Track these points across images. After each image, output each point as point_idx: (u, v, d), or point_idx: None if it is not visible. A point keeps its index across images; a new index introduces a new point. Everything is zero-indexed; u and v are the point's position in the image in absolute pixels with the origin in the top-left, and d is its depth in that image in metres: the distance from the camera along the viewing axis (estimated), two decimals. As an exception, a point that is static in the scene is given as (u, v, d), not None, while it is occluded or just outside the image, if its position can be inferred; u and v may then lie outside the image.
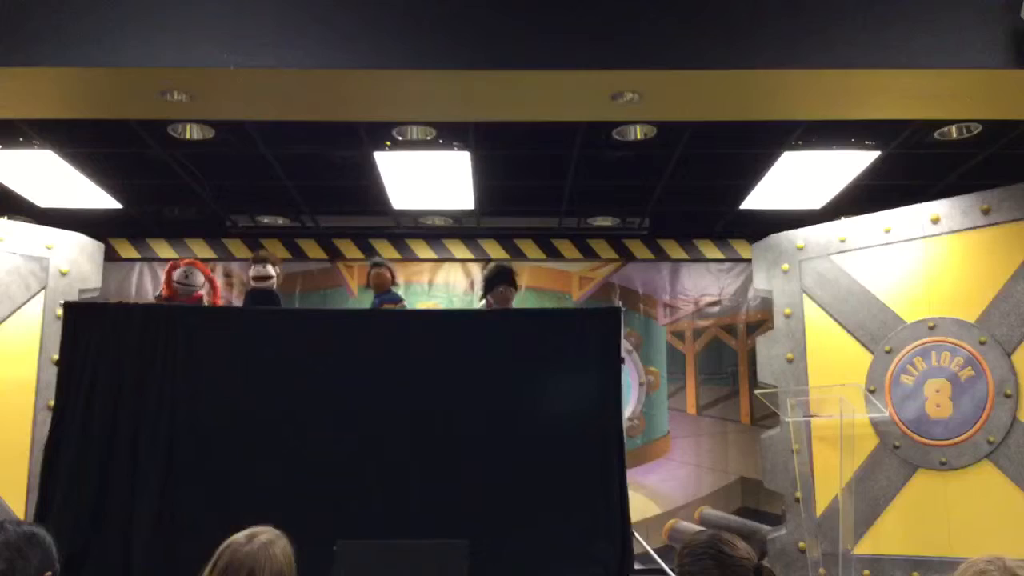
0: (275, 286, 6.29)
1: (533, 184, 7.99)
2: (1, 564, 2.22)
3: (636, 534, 5.71)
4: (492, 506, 5.18)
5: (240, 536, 2.62)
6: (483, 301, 6.28)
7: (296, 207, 8.51)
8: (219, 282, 8.70)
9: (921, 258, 6.51)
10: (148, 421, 5.34)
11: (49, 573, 2.31)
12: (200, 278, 6.09)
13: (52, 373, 6.11)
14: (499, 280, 6.11)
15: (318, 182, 7.83)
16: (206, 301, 6.13)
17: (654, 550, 6.31)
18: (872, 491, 6.44)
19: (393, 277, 6.55)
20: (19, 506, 6.32)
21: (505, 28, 4.62)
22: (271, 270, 6.24)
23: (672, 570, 5.04)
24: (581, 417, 5.44)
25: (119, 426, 5.33)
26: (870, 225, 6.78)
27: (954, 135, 6.52)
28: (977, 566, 2.04)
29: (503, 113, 5.34)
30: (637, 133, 6.60)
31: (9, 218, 7.14)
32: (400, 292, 6.84)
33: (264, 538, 2.59)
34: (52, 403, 5.69)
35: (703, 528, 7.99)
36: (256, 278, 6.24)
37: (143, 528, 5.13)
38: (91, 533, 5.13)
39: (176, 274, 6.01)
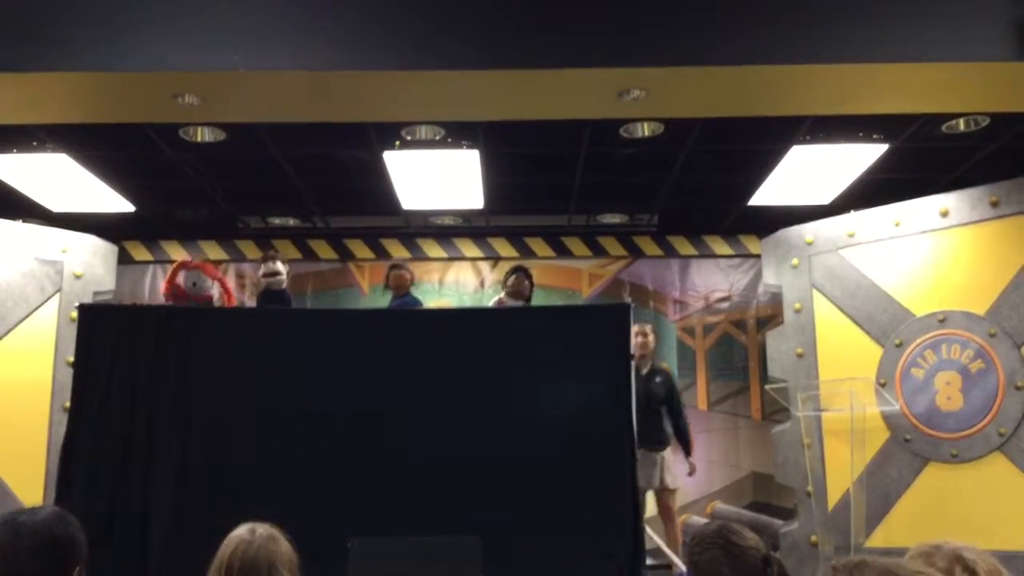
0: (284, 284, 6.37)
1: (542, 182, 8.02)
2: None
3: (648, 529, 5.74)
4: (505, 501, 5.21)
5: (241, 533, 2.60)
6: (497, 297, 6.51)
7: (307, 208, 8.56)
8: (231, 283, 8.81)
9: (930, 251, 6.51)
10: (162, 421, 5.40)
11: (78, 568, 2.24)
12: (208, 282, 6.16)
13: (68, 375, 6.16)
14: (513, 271, 6.58)
15: (328, 183, 7.87)
16: (217, 299, 6.19)
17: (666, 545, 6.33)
18: (883, 484, 6.44)
19: (412, 278, 6.70)
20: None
21: (511, 27, 4.65)
22: (280, 266, 6.32)
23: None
24: (592, 413, 5.46)
25: (134, 426, 5.39)
26: (879, 219, 6.78)
27: (962, 128, 6.52)
28: (922, 550, 2.07)
29: (511, 112, 5.37)
30: (644, 130, 6.62)
31: (23, 222, 7.20)
32: (413, 291, 6.90)
33: (264, 531, 2.59)
34: (68, 405, 5.75)
35: (715, 523, 8.02)
36: (266, 275, 6.34)
37: (158, 527, 5.19)
38: (108, 532, 5.19)
39: (183, 279, 6.07)
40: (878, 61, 4.56)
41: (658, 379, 7.09)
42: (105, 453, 5.33)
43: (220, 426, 5.43)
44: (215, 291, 6.18)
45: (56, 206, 7.89)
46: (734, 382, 8.99)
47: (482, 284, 9.13)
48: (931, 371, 6.36)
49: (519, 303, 6.52)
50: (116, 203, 7.95)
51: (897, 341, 6.53)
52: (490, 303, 7.07)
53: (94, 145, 6.78)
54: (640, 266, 9.19)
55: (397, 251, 8.97)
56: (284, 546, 2.60)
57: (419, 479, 5.29)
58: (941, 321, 6.36)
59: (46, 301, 6.92)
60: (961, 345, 6.25)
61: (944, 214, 6.46)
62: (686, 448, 7.20)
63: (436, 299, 9.00)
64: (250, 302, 8.72)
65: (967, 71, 4.64)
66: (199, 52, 4.57)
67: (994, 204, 6.25)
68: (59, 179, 7.31)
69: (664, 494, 6.68)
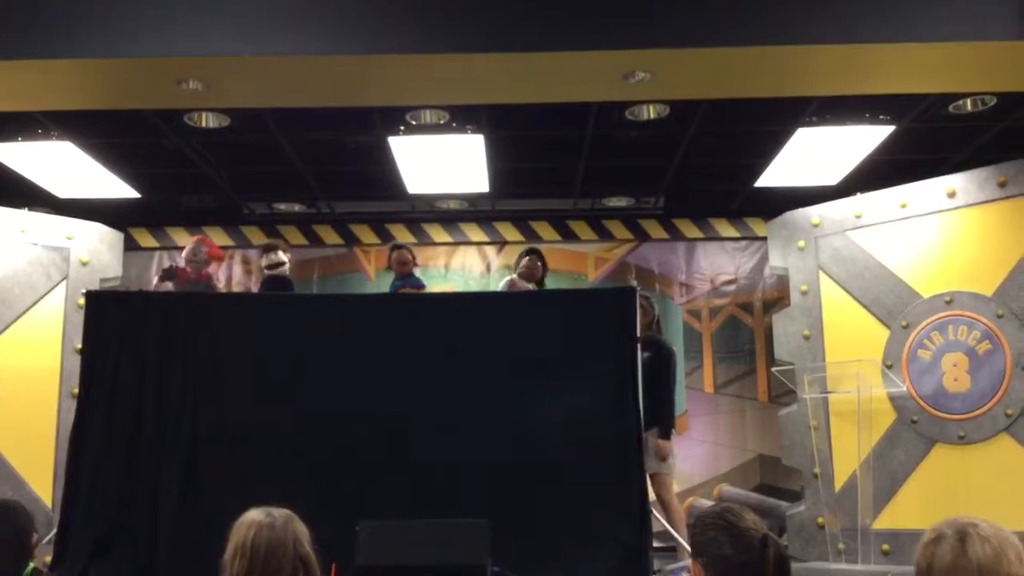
0: (287, 272, 6.43)
1: (547, 166, 8.01)
2: None
3: (655, 512, 5.75)
4: (511, 484, 5.23)
5: (258, 517, 2.57)
6: (510, 278, 6.49)
7: (312, 193, 8.57)
8: (237, 269, 8.87)
9: (937, 232, 6.48)
10: (172, 405, 5.43)
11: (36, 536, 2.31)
12: (204, 252, 6.24)
13: (76, 362, 6.20)
14: (525, 253, 6.53)
15: (333, 168, 7.88)
16: (214, 277, 6.29)
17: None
18: (890, 466, 6.44)
19: (414, 259, 6.68)
20: (47, 493, 6.43)
21: (515, 11, 4.64)
22: (282, 256, 6.38)
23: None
24: (598, 395, 5.47)
25: (143, 411, 5.42)
26: (886, 200, 6.75)
27: (969, 108, 6.49)
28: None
29: (516, 95, 5.36)
30: (650, 112, 6.60)
31: (30, 209, 7.22)
32: (419, 275, 6.90)
33: (282, 513, 2.60)
34: (76, 391, 5.79)
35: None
36: (269, 266, 6.39)
37: (169, 510, 5.23)
38: (118, 516, 5.23)
39: (186, 251, 6.23)
40: (884, 41, 4.55)
41: (646, 355, 5.93)
42: (113, 442, 5.35)
43: (227, 412, 5.46)
44: (211, 268, 6.26)
45: (62, 193, 7.91)
46: (740, 365, 8.98)
47: (488, 268, 9.14)
48: (938, 352, 6.35)
49: (531, 285, 6.51)
50: (121, 190, 7.97)
51: (904, 323, 6.51)
52: (501, 283, 7.04)
53: (98, 132, 6.79)
54: (646, 249, 9.18)
55: (403, 236, 8.97)
56: (302, 526, 2.61)
57: (424, 461, 5.31)
58: (948, 302, 6.34)
59: (53, 288, 6.95)
60: (968, 326, 6.24)
61: (951, 195, 6.43)
62: (662, 428, 6.17)
63: (442, 284, 9.00)
64: (255, 288, 8.75)
65: (974, 50, 4.62)
66: (203, 38, 4.58)
67: (1002, 184, 6.22)
68: (64, 166, 7.33)
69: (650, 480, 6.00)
